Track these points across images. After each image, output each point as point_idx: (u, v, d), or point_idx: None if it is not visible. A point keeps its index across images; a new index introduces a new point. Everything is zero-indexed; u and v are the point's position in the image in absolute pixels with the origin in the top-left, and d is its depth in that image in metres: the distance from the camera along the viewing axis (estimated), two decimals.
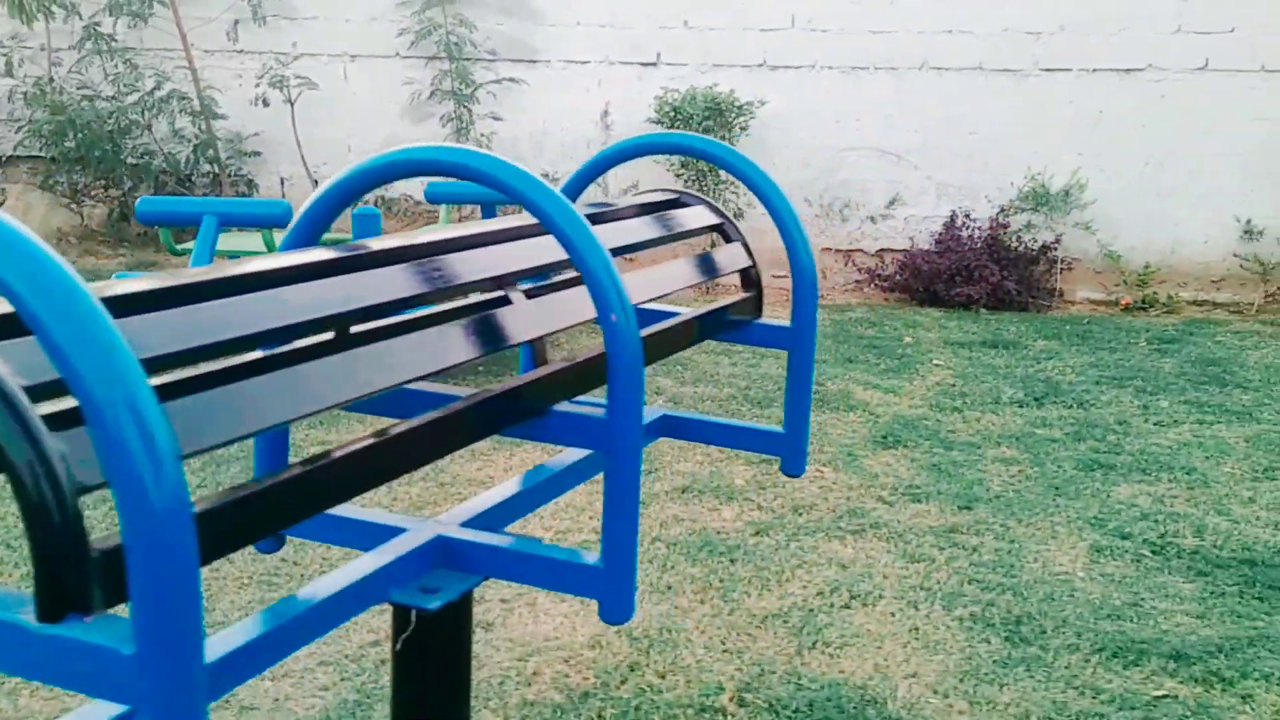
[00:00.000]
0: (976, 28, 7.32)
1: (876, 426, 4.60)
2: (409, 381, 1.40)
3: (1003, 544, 3.46)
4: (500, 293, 1.59)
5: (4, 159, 8.14)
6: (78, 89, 7.66)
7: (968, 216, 7.42)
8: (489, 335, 1.52)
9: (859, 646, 2.81)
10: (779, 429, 2.24)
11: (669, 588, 3.11)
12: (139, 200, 4.21)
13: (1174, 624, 2.94)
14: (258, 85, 7.39)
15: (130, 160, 7.65)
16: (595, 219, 1.91)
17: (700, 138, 2.19)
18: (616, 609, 1.59)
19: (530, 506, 1.88)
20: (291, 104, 7.45)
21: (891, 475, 4.04)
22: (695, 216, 2.20)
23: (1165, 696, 2.58)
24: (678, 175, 7.36)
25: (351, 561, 1.57)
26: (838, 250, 7.69)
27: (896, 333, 6.41)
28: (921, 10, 7.32)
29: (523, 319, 1.56)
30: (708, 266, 2.18)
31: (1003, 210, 7.42)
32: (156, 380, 1.06)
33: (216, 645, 1.33)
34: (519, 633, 2.84)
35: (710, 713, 2.50)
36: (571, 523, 3.54)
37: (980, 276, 7.07)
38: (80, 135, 7.41)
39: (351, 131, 7.76)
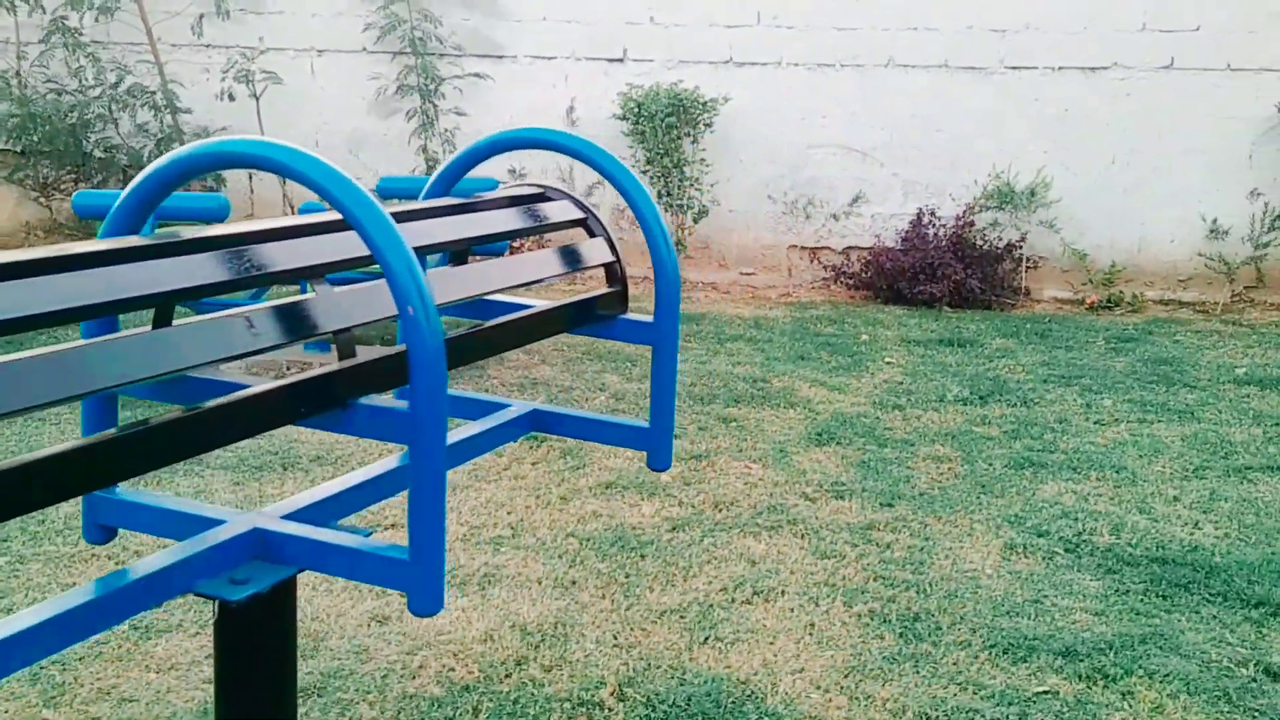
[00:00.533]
0: (942, 25, 7.31)
1: (814, 424, 4.60)
2: (191, 369, 1.41)
3: (917, 541, 3.46)
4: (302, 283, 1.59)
5: None
6: (44, 83, 7.68)
7: (933, 214, 7.41)
8: (288, 326, 1.53)
9: (751, 642, 2.81)
10: (644, 424, 2.24)
11: (573, 583, 3.12)
12: (75, 194, 4.23)
13: (1070, 621, 2.94)
14: (223, 79, 7.40)
15: (98, 154, 7.67)
16: (434, 213, 1.91)
17: (551, 131, 2.18)
18: (425, 601, 1.59)
19: (367, 500, 1.87)
20: (257, 98, 7.46)
21: (819, 472, 4.04)
22: (559, 210, 2.20)
23: (1046, 693, 2.58)
24: (644, 172, 7.37)
25: (158, 551, 1.58)
26: (804, 248, 7.68)
27: (855, 330, 6.41)
28: (887, 7, 7.31)
29: (324, 311, 1.57)
30: (569, 259, 2.18)
31: (968, 208, 7.41)
32: None
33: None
34: (413, 627, 2.84)
35: (588, 707, 2.51)
36: (488, 517, 3.55)
37: (944, 275, 7.06)
38: (43, 129, 7.43)
39: (318, 126, 7.76)
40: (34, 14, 7.54)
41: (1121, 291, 7.32)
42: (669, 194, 7.31)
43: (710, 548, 3.38)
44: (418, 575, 1.58)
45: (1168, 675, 2.66)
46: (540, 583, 3.11)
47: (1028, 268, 7.42)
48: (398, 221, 1.55)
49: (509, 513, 3.58)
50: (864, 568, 3.26)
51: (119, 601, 1.50)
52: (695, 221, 7.38)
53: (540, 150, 2.49)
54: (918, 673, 2.68)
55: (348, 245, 1.67)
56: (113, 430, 1.34)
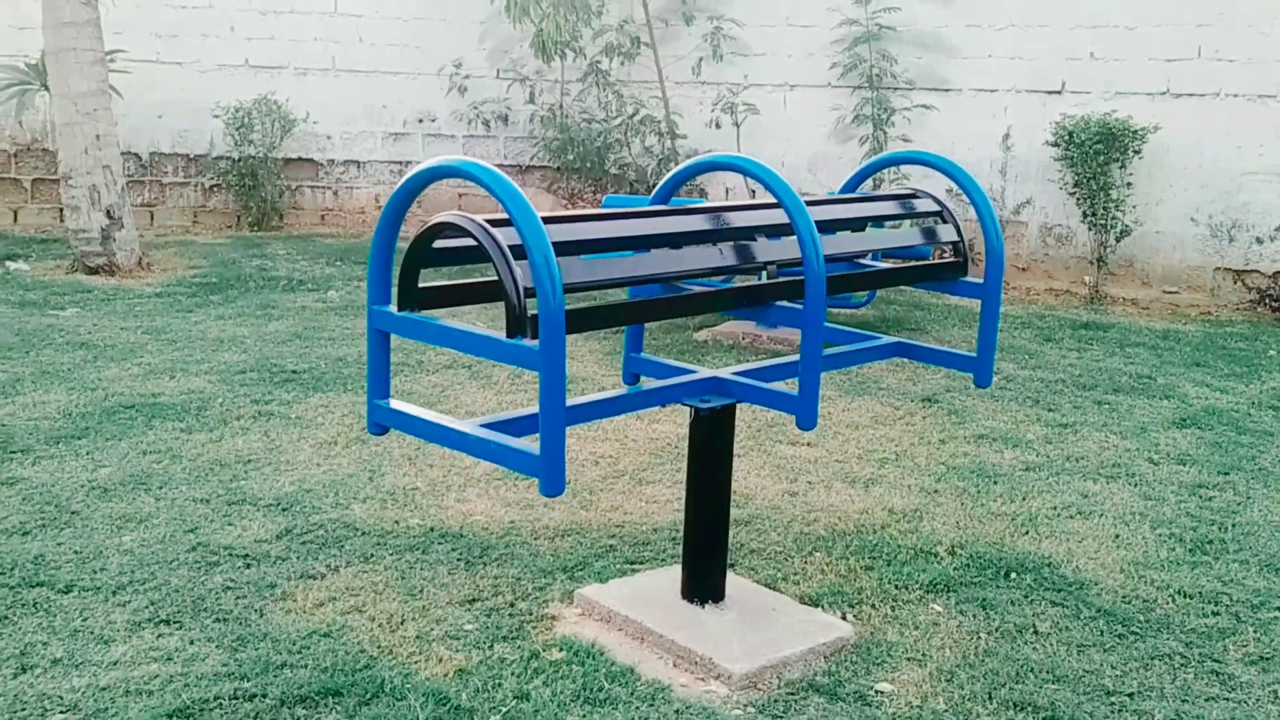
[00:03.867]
0: None
1: (1183, 412, 5.25)
2: (687, 275, 2.71)
3: (1238, 498, 4.14)
4: (749, 239, 2.84)
5: (524, 168, 10.46)
6: (580, 114, 9.75)
7: None
8: (741, 256, 2.79)
9: (1062, 538, 3.72)
10: (972, 354, 3.29)
11: (935, 491, 4.16)
12: (605, 199, 5.86)
13: None
14: (712, 111, 9.03)
15: (613, 171, 9.60)
16: (837, 202, 3.10)
17: (917, 152, 3.28)
18: (807, 421, 2.78)
19: (776, 376, 3.08)
20: (737, 126, 9.02)
21: (1171, 446, 4.75)
22: (924, 204, 3.31)
23: None
24: (1071, 194, 8.07)
25: (662, 382, 2.91)
26: (1229, 270, 7.99)
27: (1264, 348, 6.77)
28: None
29: (762, 251, 2.81)
30: (928, 235, 3.29)
31: None
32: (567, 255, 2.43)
33: (589, 396, 2.72)
34: (815, 501, 4.03)
35: (925, 555, 3.57)
36: (880, 447, 4.66)
37: None
38: (577, 151, 9.48)
39: (785, 149, 9.20)
40: (576, 60, 9.61)
41: None
42: (1093, 214, 7.95)
43: (1053, 484, 4.27)
44: (804, 405, 2.77)
45: None
46: (910, 488, 4.19)
47: None
48: (809, 206, 2.76)
49: (896, 445, 4.68)
50: (1180, 509, 4.02)
51: (640, 398, 2.83)
52: (1118, 240, 7.96)
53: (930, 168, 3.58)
54: (1192, 570, 3.48)
55: (781, 216, 2.91)
56: (641, 300, 2.67)
